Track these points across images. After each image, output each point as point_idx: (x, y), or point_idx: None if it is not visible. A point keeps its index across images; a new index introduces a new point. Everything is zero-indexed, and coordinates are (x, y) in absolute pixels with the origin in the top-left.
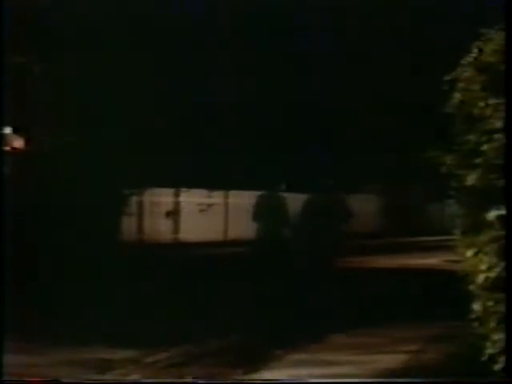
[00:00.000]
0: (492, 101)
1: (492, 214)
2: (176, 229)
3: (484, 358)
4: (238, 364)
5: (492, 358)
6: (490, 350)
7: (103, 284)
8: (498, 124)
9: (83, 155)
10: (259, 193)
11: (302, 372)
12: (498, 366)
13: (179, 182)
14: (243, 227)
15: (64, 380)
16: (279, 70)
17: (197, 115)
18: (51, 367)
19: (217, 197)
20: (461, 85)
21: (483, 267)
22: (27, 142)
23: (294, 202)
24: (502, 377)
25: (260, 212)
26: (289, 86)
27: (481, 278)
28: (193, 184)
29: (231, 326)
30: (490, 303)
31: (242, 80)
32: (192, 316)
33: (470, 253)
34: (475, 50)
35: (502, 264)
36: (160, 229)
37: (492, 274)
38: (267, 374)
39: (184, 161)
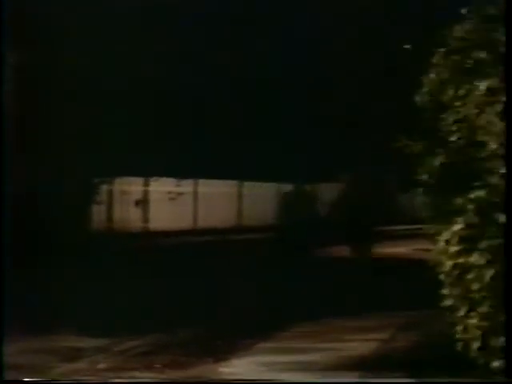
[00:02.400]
0: (461, 89)
1: (460, 201)
2: (145, 217)
3: (455, 345)
4: (208, 352)
5: (464, 345)
6: (460, 337)
7: (73, 272)
8: (467, 112)
9: (55, 144)
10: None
11: (269, 359)
12: (473, 353)
13: (149, 170)
14: (212, 216)
15: (64, 380)
16: (254, 58)
17: (166, 105)
18: (19, 355)
19: (186, 186)
20: (431, 73)
21: (452, 255)
22: None
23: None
24: (501, 377)
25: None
26: (260, 72)
27: (450, 265)
28: (162, 173)
29: (201, 315)
30: (460, 292)
31: (214, 65)
32: (161, 304)
33: (439, 241)
34: (444, 36)
35: (472, 251)
36: (129, 217)
37: (461, 261)
38: (236, 362)
39: (154, 150)
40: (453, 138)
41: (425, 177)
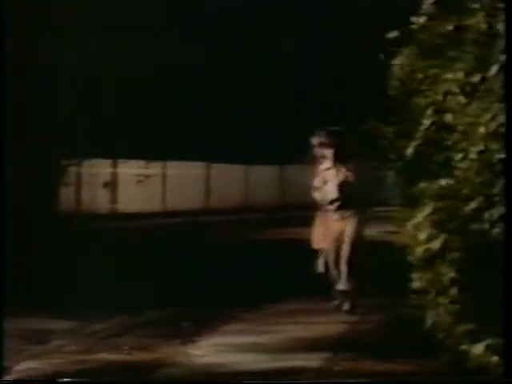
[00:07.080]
0: (431, 72)
1: (425, 186)
2: (114, 200)
3: (423, 329)
4: (175, 335)
5: (431, 330)
6: (429, 321)
7: (41, 255)
8: (437, 97)
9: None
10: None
11: (237, 341)
12: (440, 336)
13: (116, 152)
14: (181, 198)
15: (64, 380)
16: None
17: (135, 83)
18: None
19: (155, 168)
20: (401, 57)
21: (423, 239)
22: None
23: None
24: (501, 377)
25: None
26: (232, 53)
27: (420, 249)
28: (130, 155)
29: (168, 297)
30: (429, 275)
31: (189, 43)
32: (128, 287)
33: (409, 224)
34: (414, 21)
35: (442, 236)
36: (97, 200)
37: (432, 246)
38: (204, 343)
39: (121, 131)
40: (424, 122)
41: (396, 161)
